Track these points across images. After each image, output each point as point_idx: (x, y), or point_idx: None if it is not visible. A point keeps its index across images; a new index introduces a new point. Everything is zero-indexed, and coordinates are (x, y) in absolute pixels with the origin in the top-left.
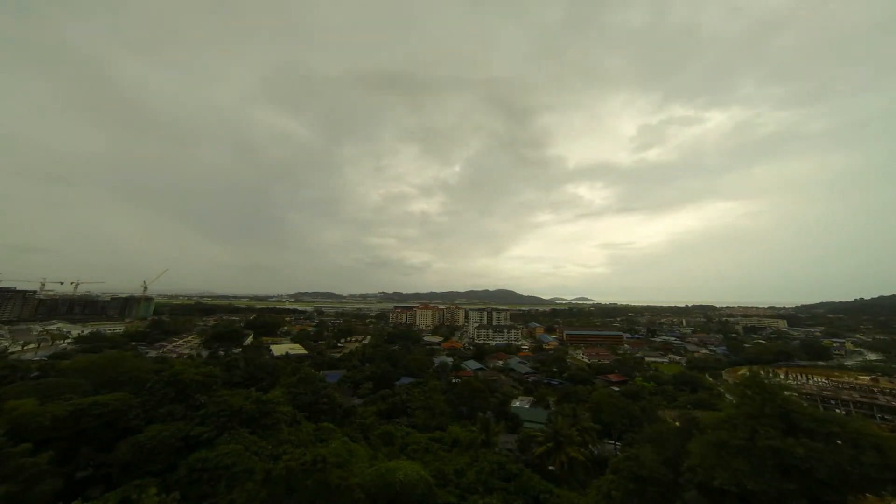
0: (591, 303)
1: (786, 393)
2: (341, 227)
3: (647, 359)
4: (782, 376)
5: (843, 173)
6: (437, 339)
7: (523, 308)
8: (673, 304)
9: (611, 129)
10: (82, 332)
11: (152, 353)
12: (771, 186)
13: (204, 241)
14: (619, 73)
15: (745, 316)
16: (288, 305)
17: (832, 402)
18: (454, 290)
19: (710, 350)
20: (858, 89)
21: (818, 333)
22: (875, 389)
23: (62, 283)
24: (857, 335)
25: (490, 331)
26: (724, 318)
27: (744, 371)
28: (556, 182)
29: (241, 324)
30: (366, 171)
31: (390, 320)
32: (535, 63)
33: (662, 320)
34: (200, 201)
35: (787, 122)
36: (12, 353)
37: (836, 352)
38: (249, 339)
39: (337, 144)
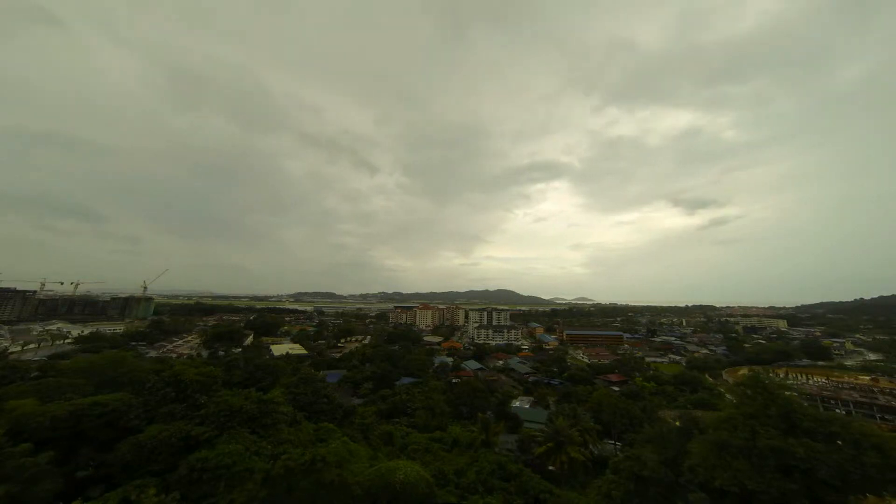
0: (590, 303)
1: (787, 393)
2: (305, 227)
3: (647, 359)
4: (782, 376)
5: (841, 173)
6: (437, 339)
7: (523, 308)
8: (673, 304)
9: (569, 132)
10: (82, 332)
11: (152, 353)
12: (765, 185)
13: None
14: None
15: (745, 316)
16: (288, 305)
17: (832, 402)
18: (452, 289)
19: (710, 350)
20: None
21: (818, 333)
22: (875, 389)
23: (62, 283)
24: (857, 335)
25: (490, 331)
26: (723, 318)
27: (744, 371)
28: (514, 183)
29: (241, 324)
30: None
31: (390, 320)
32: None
33: (662, 320)
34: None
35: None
36: (12, 353)
37: (836, 352)
38: (249, 339)
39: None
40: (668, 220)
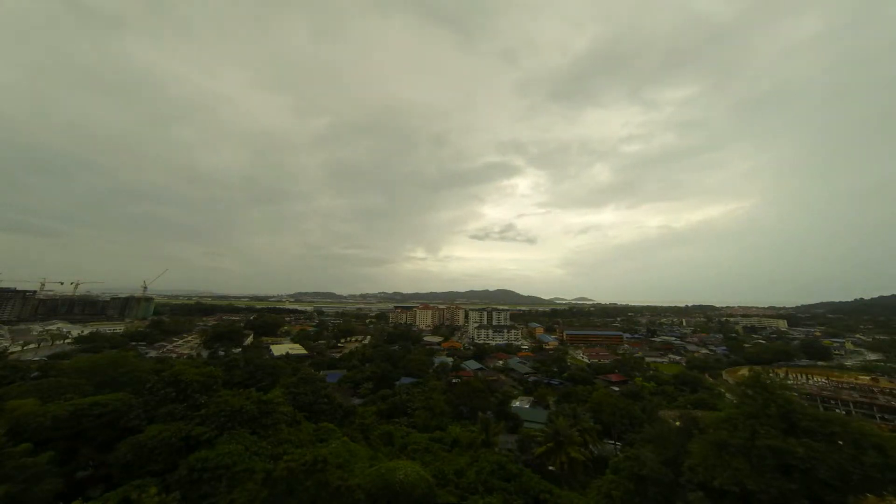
0: (590, 303)
1: (787, 393)
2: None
3: (647, 359)
4: (782, 376)
5: (843, 172)
6: (437, 339)
7: (523, 308)
8: (673, 305)
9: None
10: (82, 332)
11: (152, 353)
12: (763, 182)
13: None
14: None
15: (745, 316)
16: (288, 305)
17: (832, 402)
18: (453, 289)
19: (710, 350)
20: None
21: (818, 333)
22: (875, 389)
23: (62, 283)
24: (857, 335)
25: (490, 331)
26: (723, 318)
27: (744, 371)
28: (468, 183)
29: (241, 324)
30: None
31: (390, 320)
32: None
33: (662, 320)
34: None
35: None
36: (12, 353)
37: (836, 352)
38: (249, 339)
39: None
40: (644, 218)
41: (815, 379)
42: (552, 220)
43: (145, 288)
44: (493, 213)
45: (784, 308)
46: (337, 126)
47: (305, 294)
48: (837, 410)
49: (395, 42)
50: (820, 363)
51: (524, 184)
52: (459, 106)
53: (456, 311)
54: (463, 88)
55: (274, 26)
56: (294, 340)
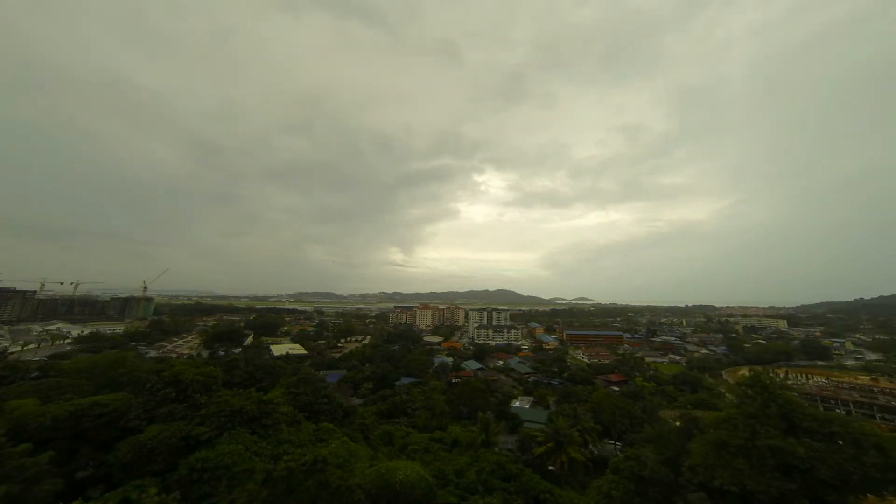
0: (590, 303)
1: (787, 393)
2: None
3: (647, 359)
4: (782, 376)
5: (842, 169)
6: (437, 339)
7: (523, 308)
8: (673, 305)
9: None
10: (82, 332)
11: (152, 354)
12: (761, 181)
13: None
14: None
15: (745, 316)
16: (288, 305)
17: (832, 402)
18: (453, 289)
19: (710, 350)
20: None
21: (818, 333)
22: (875, 389)
23: (62, 283)
24: (857, 335)
25: (490, 331)
26: (724, 318)
27: (744, 371)
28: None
29: (241, 324)
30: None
31: (390, 320)
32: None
33: (662, 320)
34: None
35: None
36: (12, 353)
37: (836, 352)
38: (249, 339)
39: None
40: (639, 217)
41: (815, 379)
42: (540, 220)
43: (145, 288)
44: (469, 212)
45: (784, 308)
46: (290, 126)
47: (305, 294)
48: (837, 410)
49: (314, 41)
50: (820, 363)
51: (498, 184)
52: (414, 105)
53: (456, 311)
54: (411, 86)
55: (170, 26)
56: (294, 340)
